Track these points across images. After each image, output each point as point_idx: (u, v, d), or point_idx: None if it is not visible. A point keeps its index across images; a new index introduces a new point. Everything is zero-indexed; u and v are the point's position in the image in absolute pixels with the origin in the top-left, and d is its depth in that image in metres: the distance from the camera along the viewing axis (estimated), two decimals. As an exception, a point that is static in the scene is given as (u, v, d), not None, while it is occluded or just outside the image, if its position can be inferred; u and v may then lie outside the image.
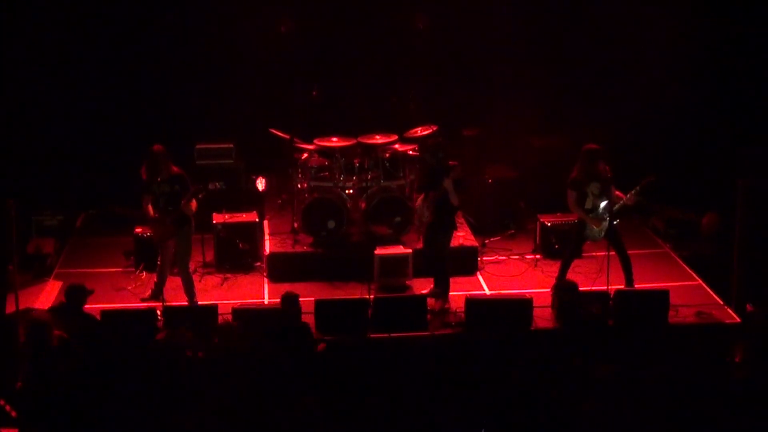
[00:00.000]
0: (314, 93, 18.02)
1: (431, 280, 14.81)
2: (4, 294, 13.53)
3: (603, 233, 14.16)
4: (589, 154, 14.10)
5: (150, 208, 14.02)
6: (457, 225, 14.74)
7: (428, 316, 14.05)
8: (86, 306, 13.03)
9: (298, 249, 15.58)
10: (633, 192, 13.95)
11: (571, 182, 14.14)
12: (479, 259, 15.74)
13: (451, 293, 14.66)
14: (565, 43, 17.94)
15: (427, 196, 14.29)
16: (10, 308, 13.56)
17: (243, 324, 12.89)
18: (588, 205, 14.10)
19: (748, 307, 13.80)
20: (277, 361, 12.33)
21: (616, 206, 14.03)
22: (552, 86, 17.88)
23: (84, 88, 17.46)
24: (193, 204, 14.01)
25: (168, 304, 13.91)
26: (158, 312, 13.60)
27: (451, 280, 14.82)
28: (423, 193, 14.40)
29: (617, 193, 14.08)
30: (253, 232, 15.73)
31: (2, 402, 11.78)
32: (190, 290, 14.32)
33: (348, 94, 18.31)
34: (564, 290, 13.73)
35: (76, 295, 12.71)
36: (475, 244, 15.84)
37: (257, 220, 15.93)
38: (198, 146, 17.13)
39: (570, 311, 13.46)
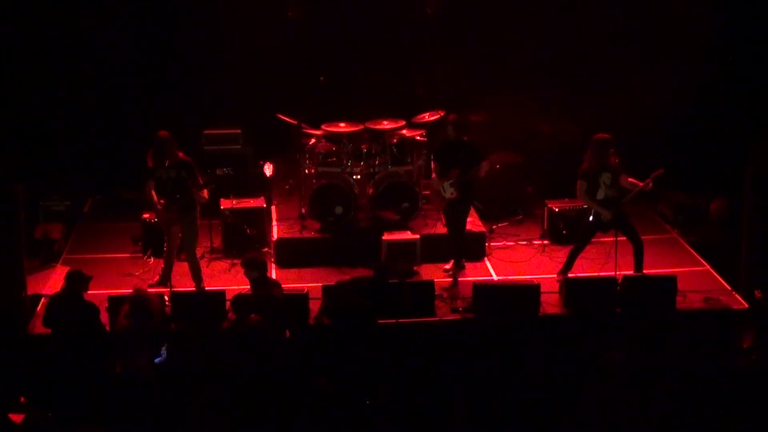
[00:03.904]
0: (322, 78, 18.01)
1: (439, 265, 14.84)
2: (17, 277, 13.59)
3: (611, 222, 14.11)
4: (600, 143, 13.99)
5: (153, 194, 14.01)
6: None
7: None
8: (93, 292, 13.03)
9: (306, 235, 15.57)
10: (648, 180, 13.85)
11: (583, 172, 14.05)
12: (487, 244, 15.72)
13: (460, 279, 14.72)
14: (574, 29, 17.88)
15: (449, 173, 14.33)
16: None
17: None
18: (600, 195, 14.02)
19: (757, 294, 13.79)
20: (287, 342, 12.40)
21: (632, 193, 13.97)
22: (560, 72, 17.85)
23: (91, 74, 17.45)
24: (205, 193, 14.01)
25: (175, 289, 13.92)
26: (166, 298, 13.62)
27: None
28: (438, 170, 14.44)
29: (631, 180, 14.00)
30: (260, 218, 15.72)
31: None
32: (197, 276, 14.33)
33: (356, 79, 18.29)
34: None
35: (76, 281, 12.71)
36: (483, 229, 15.81)
37: (265, 205, 15.92)
38: (206, 131, 17.14)
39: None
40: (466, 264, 15.10)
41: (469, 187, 14.60)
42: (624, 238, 14.23)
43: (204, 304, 13.62)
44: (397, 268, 14.19)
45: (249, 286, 12.88)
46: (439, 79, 18.16)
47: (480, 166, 14.48)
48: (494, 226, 16.31)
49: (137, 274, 15.01)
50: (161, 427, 11.73)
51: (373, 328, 12.77)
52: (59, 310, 12.58)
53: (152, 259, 15.33)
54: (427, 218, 15.74)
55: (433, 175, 14.74)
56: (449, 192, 14.52)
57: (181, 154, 13.97)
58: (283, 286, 13.10)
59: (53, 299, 12.86)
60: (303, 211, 15.92)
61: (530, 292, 13.86)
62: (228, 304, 13.31)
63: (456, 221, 14.77)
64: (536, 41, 17.88)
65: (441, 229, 15.37)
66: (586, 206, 14.41)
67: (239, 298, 12.79)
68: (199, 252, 14.64)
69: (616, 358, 11.56)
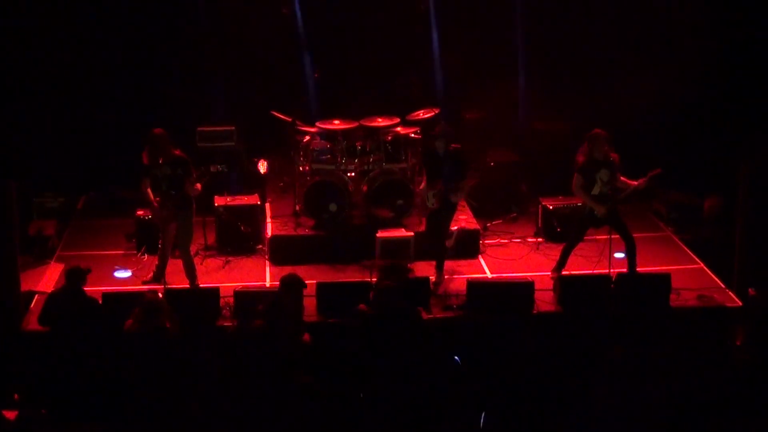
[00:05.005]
0: (316, 75, 18.00)
1: (433, 263, 14.82)
2: (11, 274, 13.58)
3: (604, 218, 14.12)
4: (597, 139, 13.97)
5: (149, 191, 14.00)
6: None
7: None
8: (87, 289, 13.00)
9: (300, 232, 15.57)
10: (644, 179, 13.85)
11: (581, 168, 14.03)
12: (481, 242, 15.72)
13: (453, 276, 14.71)
14: (569, 28, 17.88)
15: (433, 183, 14.29)
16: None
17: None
18: (596, 191, 14.00)
19: (750, 291, 13.79)
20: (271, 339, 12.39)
21: (626, 192, 13.96)
22: (554, 70, 17.86)
23: (85, 70, 17.42)
24: (198, 186, 13.99)
25: (169, 286, 13.92)
26: (159, 295, 13.59)
27: (453, 263, 14.90)
28: (426, 178, 14.41)
29: (623, 178, 14.00)
30: (254, 215, 15.72)
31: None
32: (191, 273, 14.31)
33: (350, 76, 18.28)
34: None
35: (76, 278, 12.67)
36: (477, 227, 15.81)
37: (259, 202, 15.91)
38: (199, 129, 17.09)
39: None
40: (454, 249, 14.97)
41: (450, 200, 14.43)
42: (618, 236, 14.23)
43: (198, 302, 13.62)
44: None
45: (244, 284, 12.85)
46: (434, 76, 18.15)
47: (458, 186, 14.27)
48: (488, 224, 16.32)
49: (131, 271, 14.99)
50: (158, 426, 11.72)
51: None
52: (60, 307, 12.52)
53: (146, 256, 15.31)
54: (421, 216, 15.74)
55: (423, 183, 14.66)
56: (431, 202, 14.47)
57: (177, 151, 13.95)
58: (276, 283, 13.06)
59: (52, 297, 12.80)
60: (297, 208, 15.91)
61: (524, 289, 13.87)
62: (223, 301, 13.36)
63: (435, 230, 14.62)
64: (531, 39, 17.89)
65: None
66: (580, 203, 14.41)
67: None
68: (193, 249, 14.62)
69: (617, 353, 11.60)
